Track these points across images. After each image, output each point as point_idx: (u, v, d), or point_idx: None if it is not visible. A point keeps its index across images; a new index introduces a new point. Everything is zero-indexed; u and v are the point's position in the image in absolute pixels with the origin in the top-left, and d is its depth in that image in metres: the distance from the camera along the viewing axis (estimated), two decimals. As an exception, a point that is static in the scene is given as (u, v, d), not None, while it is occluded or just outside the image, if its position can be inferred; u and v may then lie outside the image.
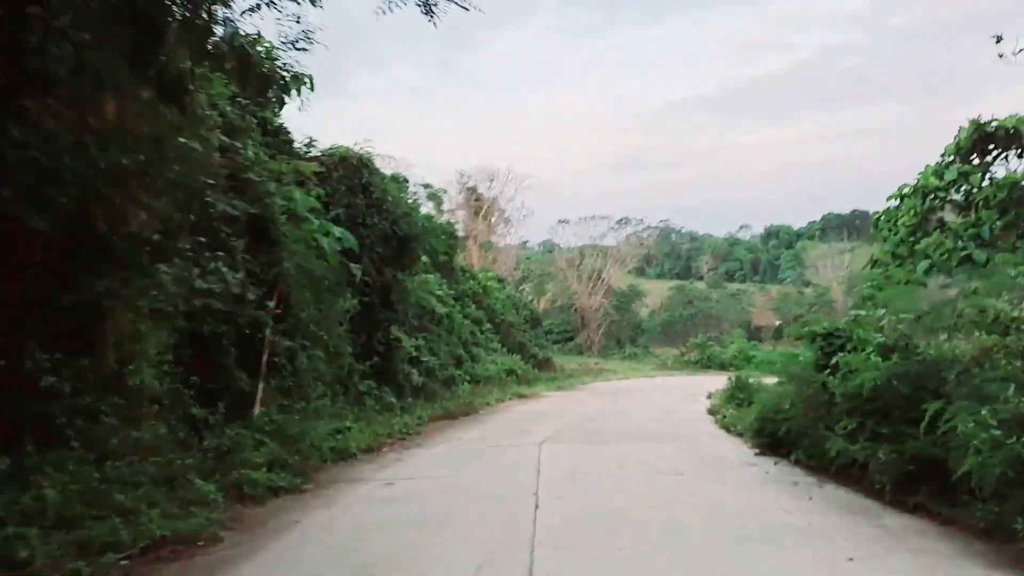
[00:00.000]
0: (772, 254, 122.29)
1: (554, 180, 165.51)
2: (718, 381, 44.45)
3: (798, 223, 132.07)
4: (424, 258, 29.37)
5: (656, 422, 17.14)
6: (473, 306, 37.37)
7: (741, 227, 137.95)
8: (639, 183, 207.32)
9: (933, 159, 14.97)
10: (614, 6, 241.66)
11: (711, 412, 20.41)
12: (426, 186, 63.11)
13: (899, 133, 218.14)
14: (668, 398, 28.28)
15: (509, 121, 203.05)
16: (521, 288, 69.82)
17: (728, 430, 14.93)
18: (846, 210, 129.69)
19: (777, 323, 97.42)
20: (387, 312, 18.77)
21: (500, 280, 55.44)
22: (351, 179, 18.37)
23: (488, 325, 38.58)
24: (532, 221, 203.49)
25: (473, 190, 65.28)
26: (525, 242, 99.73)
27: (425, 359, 22.53)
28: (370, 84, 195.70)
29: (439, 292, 27.58)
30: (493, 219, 70.10)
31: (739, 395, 18.42)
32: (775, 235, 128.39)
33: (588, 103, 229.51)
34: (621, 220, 76.76)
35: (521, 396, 27.10)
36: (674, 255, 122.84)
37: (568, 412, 20.21)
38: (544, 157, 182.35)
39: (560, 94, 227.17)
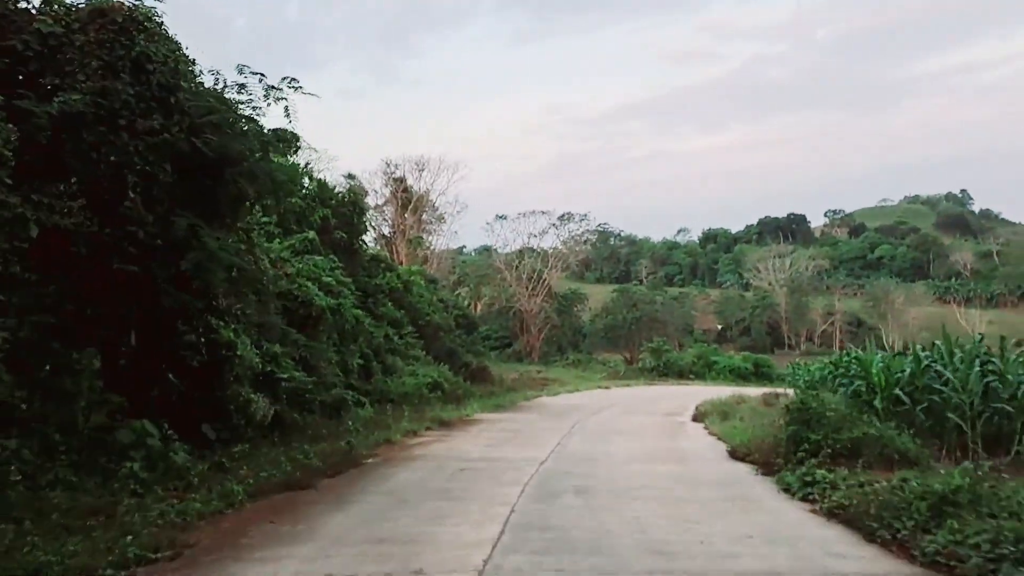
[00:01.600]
0: (710, 257, 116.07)
1: (491, 186, 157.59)
2: (687, 392, 36.11)
3: (735, 227, 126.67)
4: (311, 234, 20.47)
5: (688, 502, 8.48)
6: (390, 304, 28.50)
7: (679, 231, 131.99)
8: (575, 189, 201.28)
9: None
10: (549, 14, 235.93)
11: (740, 455, 12.08)
12: (349, 176, 54.04)
13: (823, 142, 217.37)
14: (648, 420, 19.89)
15: (444, 126, 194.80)
16: (457, 292, 61.09)
17: (877, 538, 6.40)
18: (782, 213, 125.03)
19: (719, 326, 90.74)
20: (181, 295, 9.82)
21: (432, 280, 46.70)
22: (111, 49, 9.45)
23: (410, 328, 29.74)
24: (468, 227, 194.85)
25: (401, 181, 56.21)
26: (462, 247, 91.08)
27: (285, 375, 13.62)
28: (305, 86, 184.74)
29: (328, 279, 18.65)
30: (425, 215, 61.14)
31: (811, 436, 9.97)
32: (713, 239, 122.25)
33: (524, 109, 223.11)
34: (563, 216, 68.44)
35: (444, 423, 18.34)
36: (613, 259, 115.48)
37: (511, 465, 11.59)
38: (480, 163, 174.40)
39: (496, 99, 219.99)
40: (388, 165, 56.31)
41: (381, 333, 25.67)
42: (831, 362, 18.13)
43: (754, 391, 33.67)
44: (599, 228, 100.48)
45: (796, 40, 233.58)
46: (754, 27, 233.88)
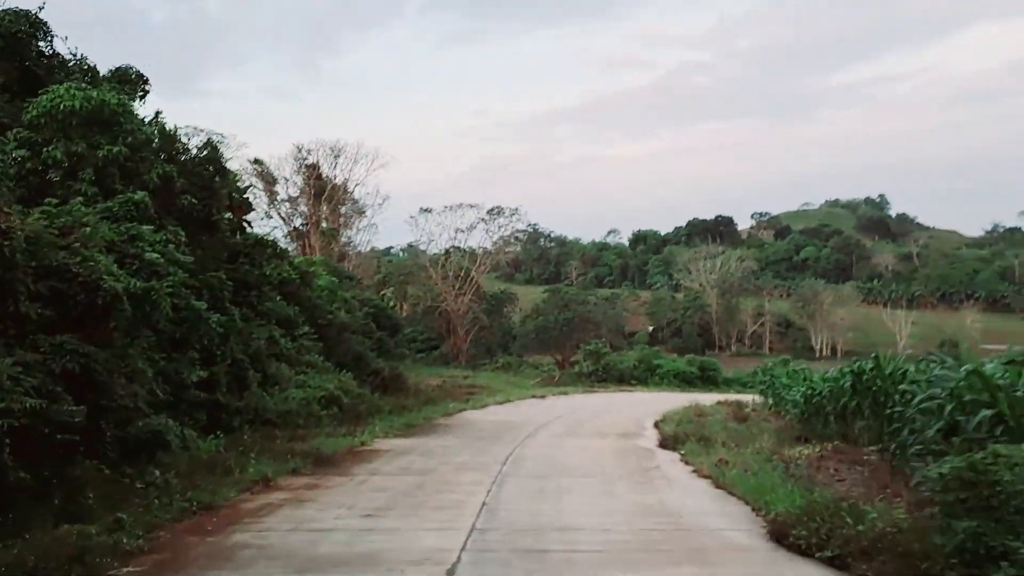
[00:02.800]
0: (640, 259, 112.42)
1: (418, 189, 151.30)
2: (635, 402, 30.47)
3: (665, 228, 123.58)
4: (139, 194, 14.21)
5: None
6: (279, 299, 22.43)
7: (609, 232, 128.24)
8: (504, 192, 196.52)
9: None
10: (478, 18, 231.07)
11: (800, 542, 6.85)
12: (255, 161, 47.42)
13: (748, 147, 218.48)
14: (603, 447, 14.34)
15: (371, 127, 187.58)
16: (382, 293, 54.88)
17: None
18: (710, 215, 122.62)
19: (650, 328, 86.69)
20: None
21: (349, 277, 40.62)
22: None
23: (307, 329, 23.77)
24: (394, 228, 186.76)
25: (314, 168, 49.68)
26: (389, 248, 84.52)
27: (14, 405, 7.49)
28: (227, 83, 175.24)
29: (152, 255, 12.51)
30: (343, 207, 54.73)
31: (1012, 543, 4.58)
32: (643, 240, 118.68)
33: (452, 111, 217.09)
34: (492, 210, 62.79)
35: (321, 461, 12.51)
36: (543, 260, 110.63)
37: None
38: (408, 165, 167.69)
39: (424, 101, 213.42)
40: (300, 150, 49.78)
41: (263, 334, 19.65)
42: (851, 370, 12.99)
43: (704, 397, 28.80)
44: (529, 228, 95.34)
45: (720, 49, 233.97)
46: (680, 36, 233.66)
